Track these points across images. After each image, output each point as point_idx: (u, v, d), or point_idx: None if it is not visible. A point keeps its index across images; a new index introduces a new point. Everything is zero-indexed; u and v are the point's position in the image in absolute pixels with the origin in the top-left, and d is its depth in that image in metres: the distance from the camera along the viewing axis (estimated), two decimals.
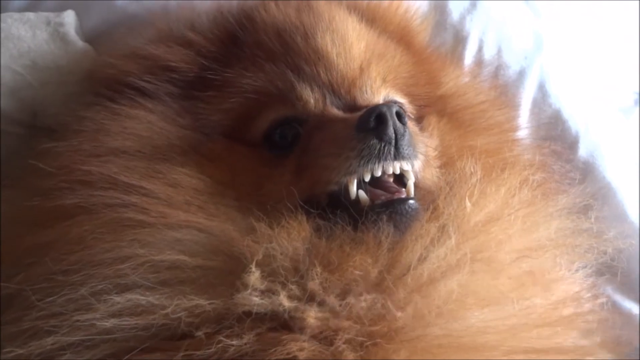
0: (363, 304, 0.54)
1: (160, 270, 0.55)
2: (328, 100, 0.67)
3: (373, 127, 0.59)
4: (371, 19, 0.78)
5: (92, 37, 0.82)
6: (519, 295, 0.59)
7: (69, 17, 0.77)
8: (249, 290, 0.53)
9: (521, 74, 0.95)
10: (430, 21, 0.91)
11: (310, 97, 0.68)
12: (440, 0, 0.97)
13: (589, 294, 0.71)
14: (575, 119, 0.94)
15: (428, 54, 0.83)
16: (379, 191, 0.60)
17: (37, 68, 0.74)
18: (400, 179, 0.62)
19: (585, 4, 1.19)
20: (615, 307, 0.85)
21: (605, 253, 0.72)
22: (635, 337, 0.84)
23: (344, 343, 0.52)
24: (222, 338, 0.52)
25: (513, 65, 0.95)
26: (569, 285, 0.67)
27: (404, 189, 0.61)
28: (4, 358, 0.55)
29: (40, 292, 0.56)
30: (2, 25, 0.74)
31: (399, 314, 0.53)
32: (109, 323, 0.53)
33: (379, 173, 0.60)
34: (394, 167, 0.60)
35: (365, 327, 0.53)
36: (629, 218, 0.90)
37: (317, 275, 0.54)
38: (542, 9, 1.07)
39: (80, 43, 0.76)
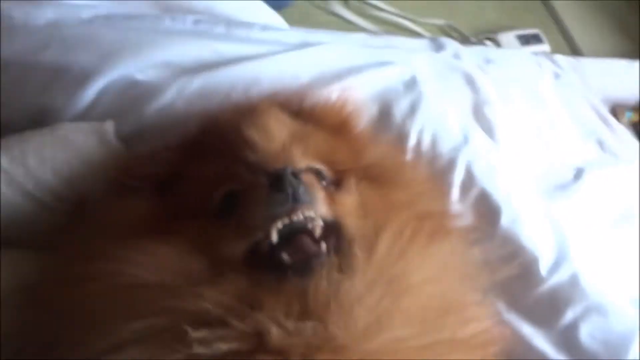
0: (307, 327, 0.65)
1: (140, 330, 0.67)
2: (258, 174, 0.80)
3: (275, 185, 0.75)
4: (300, 113, 1.00)
5: (125, 142, 1.06)
6: (430, 316, 0.72)
7: (110, 127, 1.02)
8: (196, 343, 0.64)
9: (451, 162, 1.18)
10: (376, 123, 1.17)
11: (245, 173, 0.82)
12: (386, 106, 1.23)
13: (493, 319, 0.85)
14: (499, 193, 1.16)
15: (352, 136, 1.03)
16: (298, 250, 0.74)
17: (87, 164, 0.96)
18: (322, 238, 0.76)
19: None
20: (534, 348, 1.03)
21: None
22: None
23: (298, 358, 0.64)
24: None
25: (445, 154, 1.19)
26: (476, 309, 0.80)
27: (321, 246, 0.74)
28: None
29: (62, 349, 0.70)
30: (62, 132, 0.98)
31: (337, 333, 0.66)
32: None
33: (286, 220, 0.74)
34: (297, 214, 0.74)
35: (312, 345, 0.65)
36: (540, 273, 1.10)
37: (249, 314, 0.66)
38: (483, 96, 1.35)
39: (118, 146, 1.01)
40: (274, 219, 0.74)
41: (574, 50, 2.87)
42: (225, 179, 0.86)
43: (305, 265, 0.72)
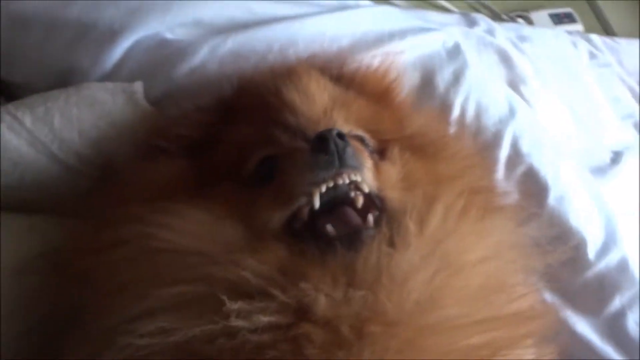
0: (357, 297, 0.62)
1: (173, 300, 0.64)
2: (297, 139, 0.78)
3: (319, 147, 0.71)
4: (340, 78, 0.95)
5: (155, 104, 1.02)
6: (480, 295, 0.70)
7: (139, 87, 0.97)
8: (234, 315, 0.61)
9: (497, 135, 1.12)
10: (418, 91, 1.10)
11: (283, 137, 0.79)
12: (429, 74, 1.17)
13: (542, 305, 0.83)
14: (546, 171, 1.10)
15: (394, 105, 0.98)
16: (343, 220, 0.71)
17: (115, 126, 0.93)
18: (365, 208, 0.72)
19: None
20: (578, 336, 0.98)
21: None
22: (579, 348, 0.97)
23: (347, 329, 0.61)
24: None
25: (490, 127, 1.13)
26: (522, 288, 0.76)
27: (368, 218, 0.71)
28: None
29: (92, 315, 0.68)
30: (89, 92, 0.94)
31: (388, 305, 0.63)
32: (144, 342, 0.61)
33: (331, 184, 0.70)
34: (343, 177, 0.70)
35: (362, 317, 0.62)
36: (587, 256, 1.04)
37: (292, 287, 0.63)
38: (524, 73, 1.27)
39: (148, 107, 0.97)
40: (317, 183, 0.70)
41: (607, 30, 2.77)
42: (261, 144, 0.82)
43: (353, 238, 0.68)
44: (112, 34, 1.04)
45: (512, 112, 1.17)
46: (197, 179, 0.82)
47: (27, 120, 0.89)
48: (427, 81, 1.16)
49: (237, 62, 1.04)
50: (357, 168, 0.72)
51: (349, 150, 0.71)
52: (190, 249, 0.68)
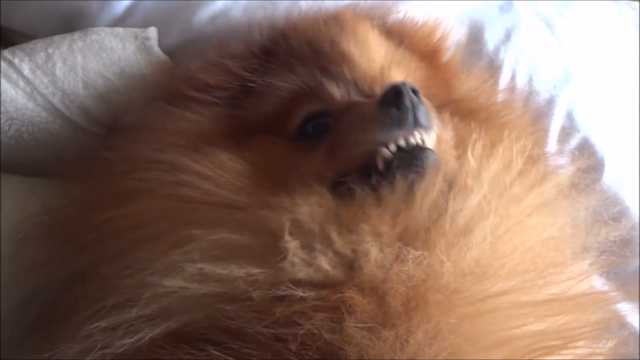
0: (411, 257, 0.57)
1: (216, 247, 0.60)
2: (352, 95, 0.74)
3: (392, 101, 0.66)
4: (390, 32, 0.87)
5: (170, 53, 0.92)
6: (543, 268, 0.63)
7: (153, 33, 0.87)
8: (290, 259, 0.57)
9: (550, 102, 1.01)
10: (465, 49, 0.98)
11: (337, 92, 0.74)
12: (477, 29, 1.05)
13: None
14: (602, 145, 1.00)
15: (445, 65, 0.90)
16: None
17: (124, 75, 0.83)
18: None
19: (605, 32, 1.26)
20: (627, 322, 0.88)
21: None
22: (633, 346, 0.87)
23: (395, 299, 0.56)
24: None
25: (543, 93, 1.02)
26: (586, 274, 0.69)
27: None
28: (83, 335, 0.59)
29: (115, 267, 0.62)
30: (96, 37, 0.84)
31: (445, 267, 0.57)
32: (191, 287, 0.57)
33: (402, 142, 0.65)
34: (415, 136, 0.66)
35: (413, 281, 0.56)
36: None
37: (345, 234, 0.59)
38: (567, 38, 1.14)
39: (162, 56, 0.86)
40: (387, 142, 0.65)
41: None
42: (308, 96, 0.76)
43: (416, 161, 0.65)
44: None
45: (567, 77, 1.05)
46: (232, 129, 0.76)
47: (25, 68, 0.79)
48: (474, 38, 1.04)
49: (265, 9, 0.92)
50: (429, 128, 0.68)
51: (422, 107, 0.66)
52: (228, 200, 0.65)
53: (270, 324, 0.54)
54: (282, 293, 0.56)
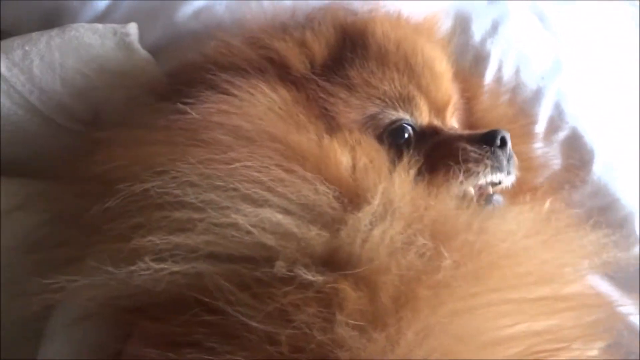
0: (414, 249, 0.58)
1: (301, 199, 0.60)
2: (432, 117, 0.80)
3: (498, 145, 0.75)
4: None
5: (153, 50, 0.90)
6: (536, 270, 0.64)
7: (133, 29, 0.86)
8: (355, 226, 0.58)
9: (538, 93, 1.00)
10: (452, 41, 0.97)
11: (425, 109, 0.80)
12: (464, 21, 1.04)
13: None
14: (591, 136, 0.99)
15: (475, 88, 0.95)
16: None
17: (104, 72, 0.82)
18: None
19: (604, 28, 1.24)
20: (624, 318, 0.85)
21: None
22: (635, 344, 0.86)
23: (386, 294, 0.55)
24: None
25: (530, 84, 1.00)
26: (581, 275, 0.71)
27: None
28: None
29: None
30: (75, 33, 0.83)
31: (441, 264, 0.57)
32: (250, 229, 0.56)
33: (497, 180, 0.75)
34: (505, 179, 0.77)
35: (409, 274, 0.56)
36: (636, 232, 0.94)
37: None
38: (561, 31, 1.12)
39: (143, 52, 0.85)
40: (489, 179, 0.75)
41: None
42: (395, 105, 0.79)
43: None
44: None
45: (556, 68, 1.04)
46: (319, 117, 0.75)
47: (2, 65, 0.78)
48: (462, 29, 1.03)
49: (248, 4, 0.91)
50: (510, 173, 0.77)
51: (514, 158, 0.78)
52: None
53: (263, 319, 0.53)
54: (294, 273, 0.55)
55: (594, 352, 0.65)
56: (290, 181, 0.61)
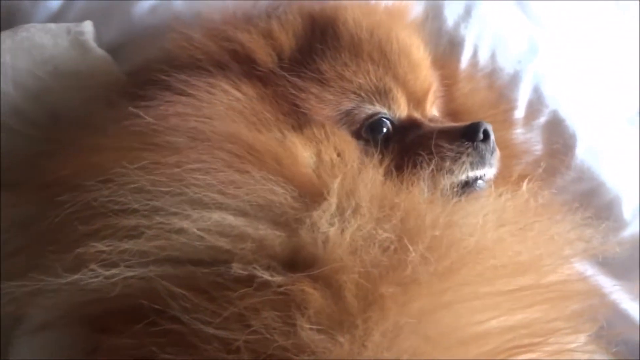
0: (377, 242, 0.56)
1: (255, 200, 0.58)
2: (411, 109, 0.77)
3: (481, 139, 0.72)
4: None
5: (111, 48, 0.87)
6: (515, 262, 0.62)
7: (88, 27, 0.82)
8: (315, 222, 0.56)
9: (515, 77, 0.97)
10: (424, 27, 0.94)
11: (403, 101, 0.77)
12: (436, 6, 1.00)
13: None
14: (573, 119, 0.96)
15: (450, 75, 0.92)
16: None
17: (58, 74, 0.79)
18: None
19: (585, 10, 1.21)
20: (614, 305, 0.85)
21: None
22: (633, 333, 0.86)
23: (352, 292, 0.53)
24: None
25: (507, 68, 0.98)
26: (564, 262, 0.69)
27: None
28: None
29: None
30: (26, 34, 0.79)
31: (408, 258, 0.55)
32: (200, 234, 0.54)
33: (479, 175, 0.73)
34: (487, 172, 0.74)
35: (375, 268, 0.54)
36: (622, 215, 0.92)
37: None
38: (539, 14, 1.10)
39: (98, 50, 0.81)
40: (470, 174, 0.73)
41: None
42: (371, 98, 0.75)
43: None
44: None
45: (533, 50, 1.01)
46: (287, 112, 0.72)
47: None
48: (434, 15, 0.99)
49: None
50: (491, 166, 0.74)
51: (497, 151, 0.75)
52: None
53: (220, 324, 0.51)
54: (251, 273, 0.52)
55: (576, 344, 0.62)
56: (244, 182, 0.58)
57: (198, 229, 0.55)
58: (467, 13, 1.00)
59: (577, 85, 1.03)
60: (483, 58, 0.98)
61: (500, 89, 0.97)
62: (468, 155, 0.72)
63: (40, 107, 0.78)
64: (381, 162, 0.68)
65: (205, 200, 0.56)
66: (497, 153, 0.75)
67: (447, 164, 0.71)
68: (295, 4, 0.83)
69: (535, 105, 0.97)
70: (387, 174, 0.67)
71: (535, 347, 0.56)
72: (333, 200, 0.58)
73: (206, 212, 0.56)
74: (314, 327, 0.50)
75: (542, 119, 0.97)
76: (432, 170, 0.69)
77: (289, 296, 0.52)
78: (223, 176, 0.58)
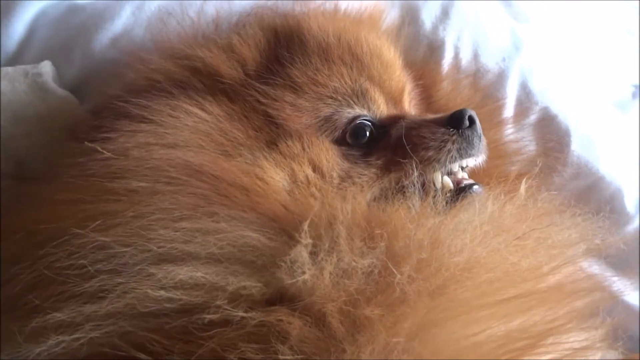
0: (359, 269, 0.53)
1: (227, 247, 0.54)
2: (390, 107, 0.74)
3: (467, 126, 0.70)
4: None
5: (74, 86, 0.83)
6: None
7: (46, 67, 0.78)
8: (294, 260, 0.53)
9: (501, 75, 0.93)
10: (401, 32, 0.91)
11: (382, 101, 0.74)
12: (412, 9, 0.97)
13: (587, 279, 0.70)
14: (565, 114, 0.93)
15: (427, 74, 0.90)
16: (459, 178, 0.72)
17: (18, 119, 0.75)
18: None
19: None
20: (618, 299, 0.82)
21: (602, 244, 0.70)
22: (634, 327, 0.83)
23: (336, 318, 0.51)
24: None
25: (492, 67, 0.94)
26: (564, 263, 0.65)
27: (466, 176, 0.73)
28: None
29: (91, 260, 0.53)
30: None
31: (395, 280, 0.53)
32: (163, 293, 0.51)
33: (469, 164, 0.72)
34: (476, 160, 0.73)
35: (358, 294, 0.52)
36: (625, 209, 0.89)
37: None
38: (520, 7, 1.07)
39: (59, 91, 0.77)
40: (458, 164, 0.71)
41: None
42: (349, 101, 0.73)
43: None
44: (6, 5, 0.84)
45: (517, 46, 0.97)
46: (260, 127, 0.69)
47: None
48: (410, 19, 0.96)
49: (169, 25, 0.83)
50: (478, 155, 0.73)
51: (483, 140, 0.73)
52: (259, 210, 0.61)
53: None
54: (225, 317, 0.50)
55: (581, 342, 0.60)
56: (213, 228, 0.54)
57: (166, 289, 0.51)
58: (445, 14, 0.97)
59: (564, 76, 0.99)
60: (465, 59, 0.94)
61: (485, 89, 0.93)
62: (453, 142, 0.71)
63: (3, 155, 0.74)
64: (363, 177, 0.66)
65: (172, 253, 0.52)
66: (484, 140, 0.74)
67: (431, 153, 0.69)
68: (254, 19, 0.80)
69: (525, 102, 0.93)
70: (370, 190, 0.65)
71: (534, 349, 0.54)
72: (307, 241, 0.54)
73: (174, 267, 0.52)
74: (298, 356, 0.48)
75: (533, 117, 0.93)
76: (418, 163, 0.68)
77: (268, 328, 0.50)
78: (189, 224, 0.54)
